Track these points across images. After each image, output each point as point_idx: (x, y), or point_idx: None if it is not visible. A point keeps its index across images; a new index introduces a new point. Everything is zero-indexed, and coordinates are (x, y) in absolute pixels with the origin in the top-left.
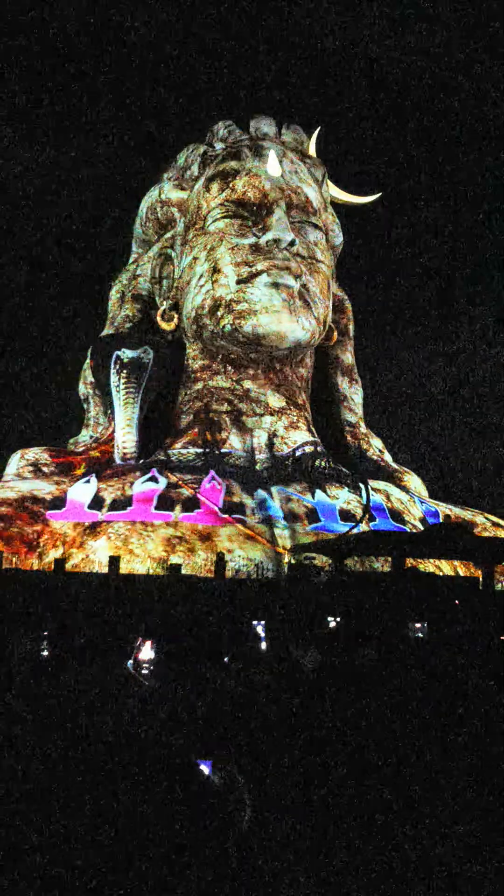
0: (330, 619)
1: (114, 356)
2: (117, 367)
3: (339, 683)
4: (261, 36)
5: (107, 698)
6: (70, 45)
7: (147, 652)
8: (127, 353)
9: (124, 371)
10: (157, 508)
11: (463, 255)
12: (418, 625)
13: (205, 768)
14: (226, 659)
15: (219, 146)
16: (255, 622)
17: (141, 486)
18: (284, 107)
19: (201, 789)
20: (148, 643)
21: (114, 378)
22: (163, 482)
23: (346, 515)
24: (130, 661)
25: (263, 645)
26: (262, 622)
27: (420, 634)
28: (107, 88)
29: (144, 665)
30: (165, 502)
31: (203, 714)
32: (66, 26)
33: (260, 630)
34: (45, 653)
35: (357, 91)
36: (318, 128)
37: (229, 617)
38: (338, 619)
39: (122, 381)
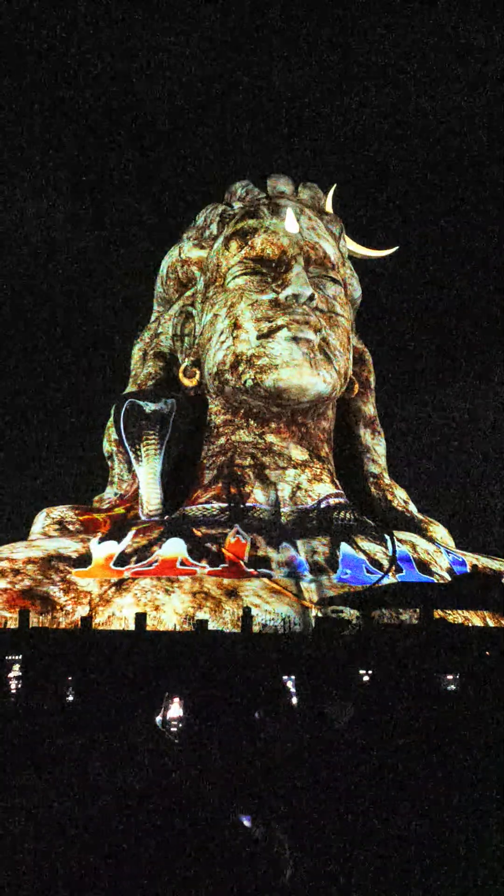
0: (361, 671)
1: (126, 404)
2: (134, 419)
3: (374, 737)
4: (276, 97)
5: (137, 754)
6: (96, 112)
7: (175, 710)
8: (149, 406)
9: (145, 423)
10: (182, 564)
11: (480, 306)
12: (450, 676)
13: (246, 823)
14: (256, 715)
15: (237, 205)
16: (285, 677)
17: (167, 546)
18: (301, 165)
19: (243, 845)
20: (176, 701)
21: (133, 432)
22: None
23: (372, 568)
24: (159, 719)
25: (294, 700)
26: (293, 677)
27: (452, 686)
28: (128, 148)
29: (173, 723)
30: (191, 558)
31: (237, 770)
32: (92, 95)
33: (290, 685)
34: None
35: (372, 148)
36: (334, 185)
37: (258, 672)
38: (369, 672)
39: (144, 434)
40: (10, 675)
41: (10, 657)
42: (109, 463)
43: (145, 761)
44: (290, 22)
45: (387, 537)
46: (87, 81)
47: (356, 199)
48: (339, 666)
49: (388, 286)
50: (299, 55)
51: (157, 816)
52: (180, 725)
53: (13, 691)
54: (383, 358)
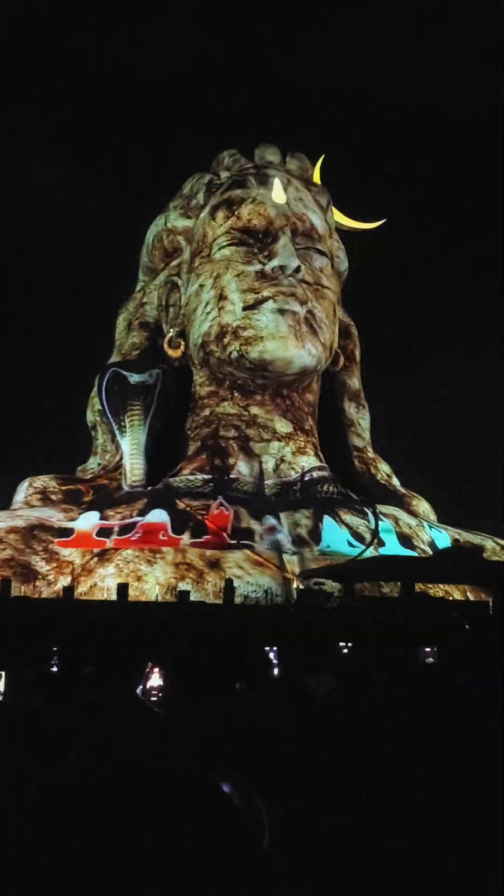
0: (341, 644)
1: (110, 374)
2: (119, 389)
3: (351, 708)
4: (264, 65)
5: (118, 724)
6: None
7: (156, 679)
8: (134, 377)
9: (130, 394)
10: (165, 535)
11: (468, 278)
12: (428, 649)
13: (224, 789)
14: (237, 685)
15: (224, 175)
16: (266, 648)
17: (150, 516)
18: (289, 135)
19: (222, 811)
20: (157, 671)
21: (117, 402)
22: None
23: (354, 541)
24: (140, 688)
25: (276, 671)
26: (275, 648)
27: (430, 659)
28: (112, 114)
29: (153, 692)
30: (174, 529)
31: (216, 739)
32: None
33: (272, 656)
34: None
35: (360, 118)
36: (322, 155)
37: (240, 643)
38: (349, 645)
39: (129, 405)
40: None
41: None
42: (93, 433)
43: (129, 731)
44: None
45: (369, 511)
46: (87, 42)
47: (344, 170)
48: (321, 638)
49: (376, 258)
50: (290, 21)
51: (140, 785)
52: (160, 695)
53: None
54: (369, 331)
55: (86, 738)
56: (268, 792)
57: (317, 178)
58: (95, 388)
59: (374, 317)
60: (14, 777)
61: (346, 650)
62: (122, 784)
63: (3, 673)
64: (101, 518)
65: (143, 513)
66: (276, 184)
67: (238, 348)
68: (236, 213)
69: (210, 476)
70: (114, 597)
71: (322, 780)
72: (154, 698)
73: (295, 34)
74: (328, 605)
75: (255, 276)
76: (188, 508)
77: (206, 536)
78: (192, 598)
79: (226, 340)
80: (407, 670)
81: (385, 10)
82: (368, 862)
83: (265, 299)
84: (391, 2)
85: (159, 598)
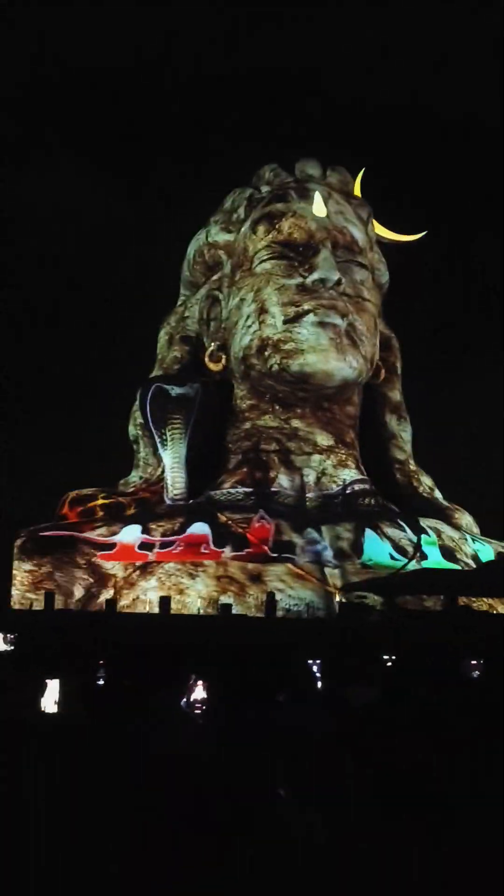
0: (384, 657)
1: (153, 388)
2: (160, 403)
3: (393, 720)
4: (303, 79)
5: (163, 735)
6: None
7: (199, 692)
8: (175, 390)
9: (171, 407)
10: (206, 548)
11: None
12: (473, 663)
13: (281, 792)
14: (279, 697)
15: (264, 189)
16: (309, 661)
17: (192, 529)
18: (329, 149)
19: (277, 810)
20: (200, 683)
21: (159, 416)
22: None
23: (396, 554)
24: (184, 701)
25: (318, 684)
26: (318, 661)
27: (475, 673)
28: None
29: (197, 705)
30: (215, 542)
31: (260, 750)
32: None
33: (314, 669)
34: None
35: (401, 130)
36: (363, 168)
37: (282, 656)
38: (392, 658)
39: (170, 419)
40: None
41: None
42: (135, 447)
43: (174, 742)
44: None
45: (402, 523)
46: (127, 54)
47: (385, 182)
48: (363, 651)
49: (418, 270)
50: (329, 32)
51: (192, 787)
52: (204, 707)
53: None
54: (411, 344)
55: (133, 749)
56: (313, 801)
57: (357, 191)
58: (138, 402)
59: (416, 329)
60: (65, 788)
61: (388, 663)
62: (170, 793)
63: (57, 683)
64: (143, 531)
65: (184, 526)
66: (317, 197)
67: (279, 361)
68: (277, 226)
69: (251, 489)
70: (156, 610)
71: (364, 790)
72: (198, 710)
73: (334, 45)
74: (370, 619)
75: (295, 290)
76: (229, 521)
77: (247, 549)
78: (234, 611)
79: (266, 354)
80: (450, 684)
81: (427, 20)
82: (409, 870)
83: (306, 312)
84: (436, 11)
85: (201, 612)
